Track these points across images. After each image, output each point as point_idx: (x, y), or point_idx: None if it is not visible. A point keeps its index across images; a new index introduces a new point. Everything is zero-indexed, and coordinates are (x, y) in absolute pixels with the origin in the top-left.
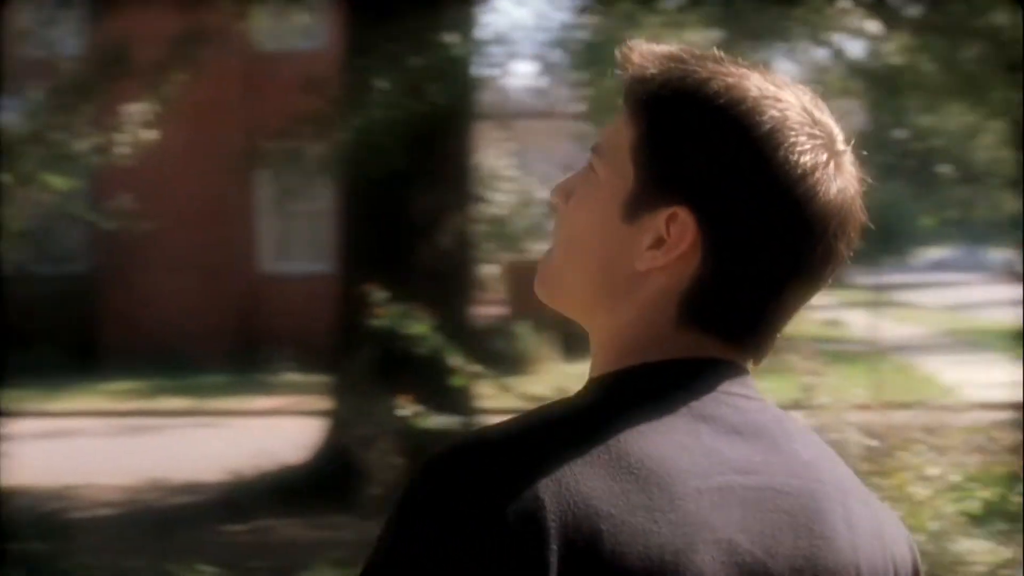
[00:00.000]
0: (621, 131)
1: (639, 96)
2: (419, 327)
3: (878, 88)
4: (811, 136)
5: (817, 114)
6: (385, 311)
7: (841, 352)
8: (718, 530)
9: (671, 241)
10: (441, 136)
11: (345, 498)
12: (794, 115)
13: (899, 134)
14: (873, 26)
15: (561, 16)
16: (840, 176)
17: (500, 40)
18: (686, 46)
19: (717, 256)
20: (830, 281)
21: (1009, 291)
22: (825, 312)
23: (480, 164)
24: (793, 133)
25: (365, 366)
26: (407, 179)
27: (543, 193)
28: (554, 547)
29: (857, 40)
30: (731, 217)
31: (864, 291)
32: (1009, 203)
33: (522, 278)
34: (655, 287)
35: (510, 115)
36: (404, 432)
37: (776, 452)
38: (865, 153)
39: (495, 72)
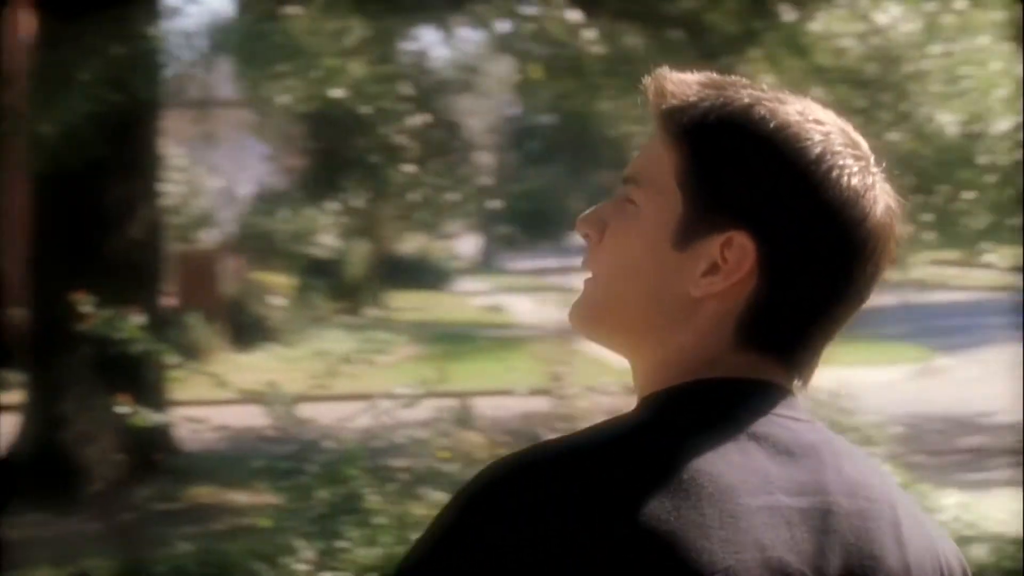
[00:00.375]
0: (661, 159)
1: (681, 124)
2: (126, 327)
3: (546, 73)
4: (856, 158)
5: (854, 136)
6: (90, 315)
7: (505, 338)
8: (767, 548)
9: (729, 266)
10: (129, 128)
11: (41, 495)
12: (837, 138)
13: (552, 120)
14: (570, 14)
15: (231, 9)
16: (884, 196)
17: (189, 33)
18: (714, 74)
19: (775, 279)
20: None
21: None
22: (484, 298)
23: (166, 155)
24: (840, 156)
25: (65, 363)
26: (96, 172)
27: (214, 182)
28: (612, 562)
29: (525, 24)
30: (789, 241)
31: (522, 276)
32: None
33: (191, 268)
34: (711, 312)
35: (191, 105)
36: (113, 428)
37: (825, 472)
38: (515, 140)
39: (183, 64)
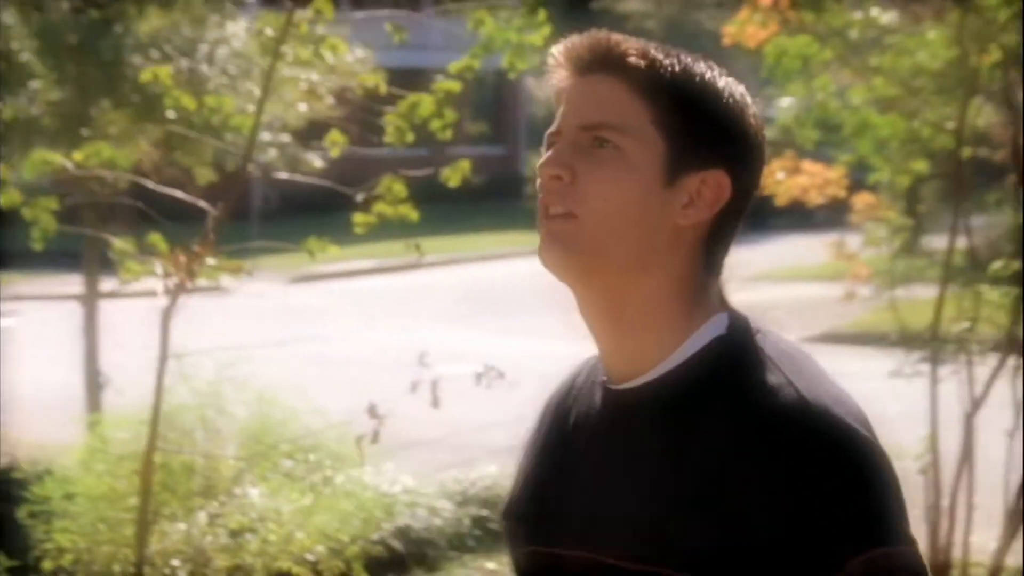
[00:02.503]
0: (634, 108)
1: (656, 78)
2: None
3: None
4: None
5: None
6: None
7: None
8: None
9: (705, 200)
10: None
11: None
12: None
13: None
14: None
15: None
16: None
17: None
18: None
19: (734, 209)
20: None
21: None
22: None
23: None
24: (746, 95)
25: None
26: None
27: None
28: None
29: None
30: (750, 174)
31: None
32: None
33: None
34: (690, 239)
35: None
36: None
37: None
38: None
39: None
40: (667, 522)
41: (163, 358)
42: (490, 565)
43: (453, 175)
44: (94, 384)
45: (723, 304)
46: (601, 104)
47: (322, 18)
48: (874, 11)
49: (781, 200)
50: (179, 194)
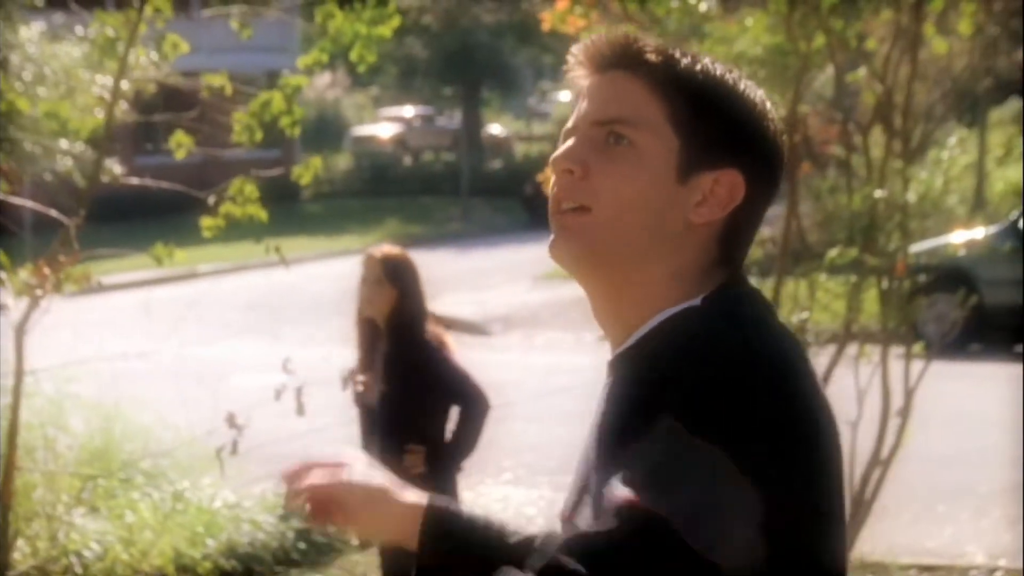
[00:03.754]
0: (649, 104)
1: (672, 76)
2: None
3: None
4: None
5: None
6: None
7: None
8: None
9: (718, 198)
10: None
11: None
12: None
13: None
14: None
15: None
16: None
17: None
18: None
19: (750, 206)
20: None
21: None
22: None
23: None
24: (762, 92)
25: None
26: None
27: None
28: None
29: None
30: (764, 172)
31: None
32: None
33: None
34: (703, 236)
35: None
36: None
37: None
38: None
39: None
40: (587, 478)
41: (19, 373)
42: None
43: (305, 173)
44: None
45: (727, 285)
46: (617, 100)
47: (162, 16)
48: None
49: None
50: (29, 204)
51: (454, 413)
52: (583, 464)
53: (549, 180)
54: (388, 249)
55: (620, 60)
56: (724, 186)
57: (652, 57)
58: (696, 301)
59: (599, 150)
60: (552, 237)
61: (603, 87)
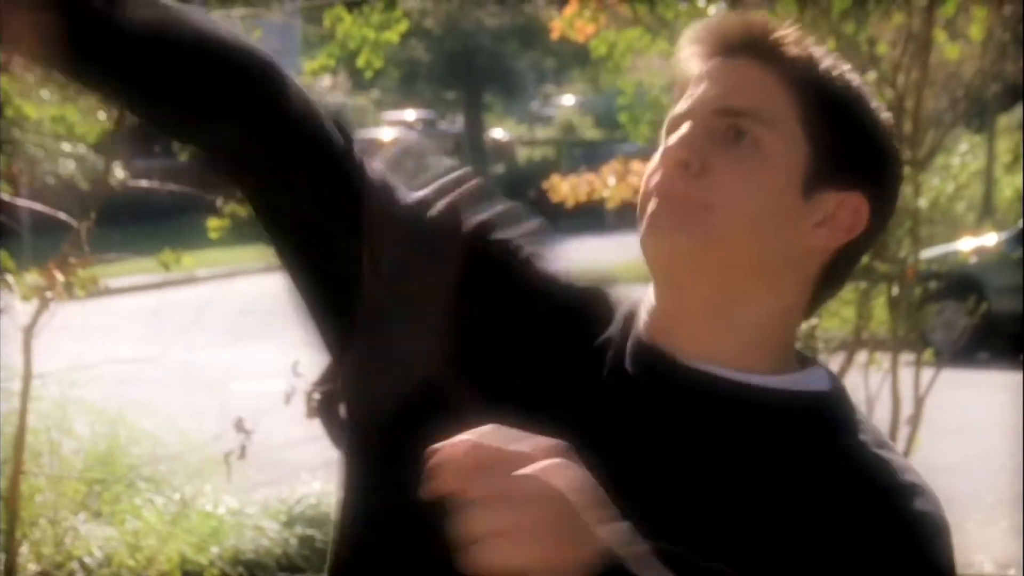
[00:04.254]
0: (779, 100)
1: (809, 74)
2: None
3: None
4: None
5: None
6: None
7: None
8: None
9: (839, 223)
10: None
11: None
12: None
13: None
14: None
15: None
16: None
17: None
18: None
19: (862, 241)
20: None
21: None
22: None
23: None
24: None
25: None
26: None
27: None
28: None
29: None
30: (889, 203)
31: None
32: None
33: None
34: (818, 263)
35: None
36: None
37: None
38: None
39: None
40: (725, 530)
41: (27, 377)
42: None
43: None
44: None
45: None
46: (747, 89)
47: None
48: (701, 2)
49: (611, 204)
50: (36, 206)
51: None
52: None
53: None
54: None
55: (754, 47)
56: (848, 210)
57: (792, 49)
58: (823, 382)
59: (720, 144)
60: (655, 227)
61: (730, 73)
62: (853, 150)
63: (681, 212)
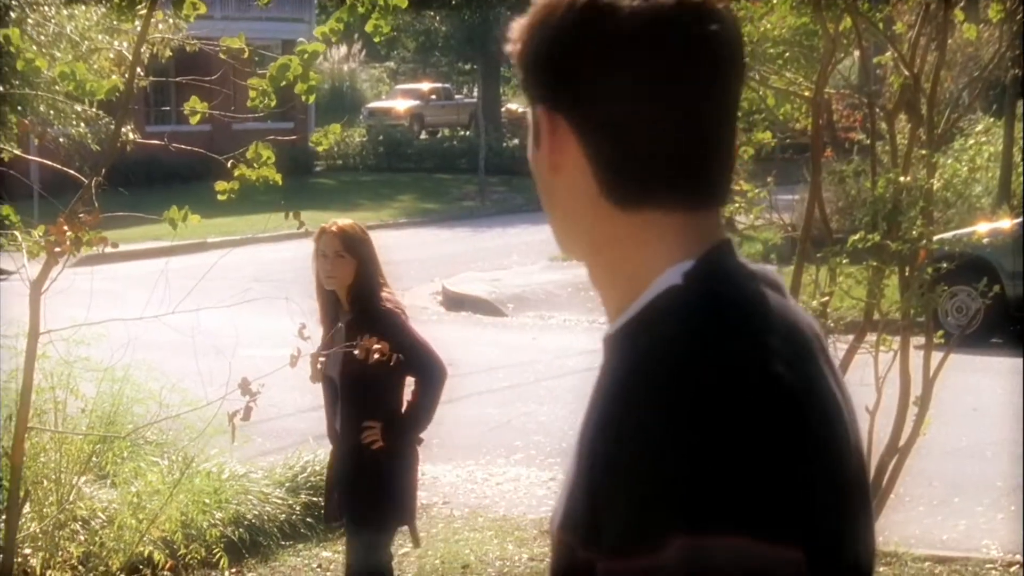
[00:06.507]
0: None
1: (520, 58)
2: None
3: None
4: None
5: None
6: None
7: None
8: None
9: (544, 130)
10: None
11: None
12: None
13: None
14: None
15: None
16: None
17: None
18: None
19: (593, 136)
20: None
21: None
22: None
23: None
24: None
25: None
26: None
27: None
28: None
29: None
30: (591, 94)
31: None
32: None
33: None
34: (574, 185)
35: None
36: None
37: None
38: None
39: None
40: (572, 488)
41: (34, 334)
42: (325, 554)
43: (323, 140)
44: None
45: (698, 243)
46: None
47: None
48: None
49: None
50: (44, 161)
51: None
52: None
53: None
54: (343, 223)
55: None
56: (540, 124)
57: (508, 48)
58: (677, 275)
59: None
60: None
61: None
62: (529, 80)
63: None
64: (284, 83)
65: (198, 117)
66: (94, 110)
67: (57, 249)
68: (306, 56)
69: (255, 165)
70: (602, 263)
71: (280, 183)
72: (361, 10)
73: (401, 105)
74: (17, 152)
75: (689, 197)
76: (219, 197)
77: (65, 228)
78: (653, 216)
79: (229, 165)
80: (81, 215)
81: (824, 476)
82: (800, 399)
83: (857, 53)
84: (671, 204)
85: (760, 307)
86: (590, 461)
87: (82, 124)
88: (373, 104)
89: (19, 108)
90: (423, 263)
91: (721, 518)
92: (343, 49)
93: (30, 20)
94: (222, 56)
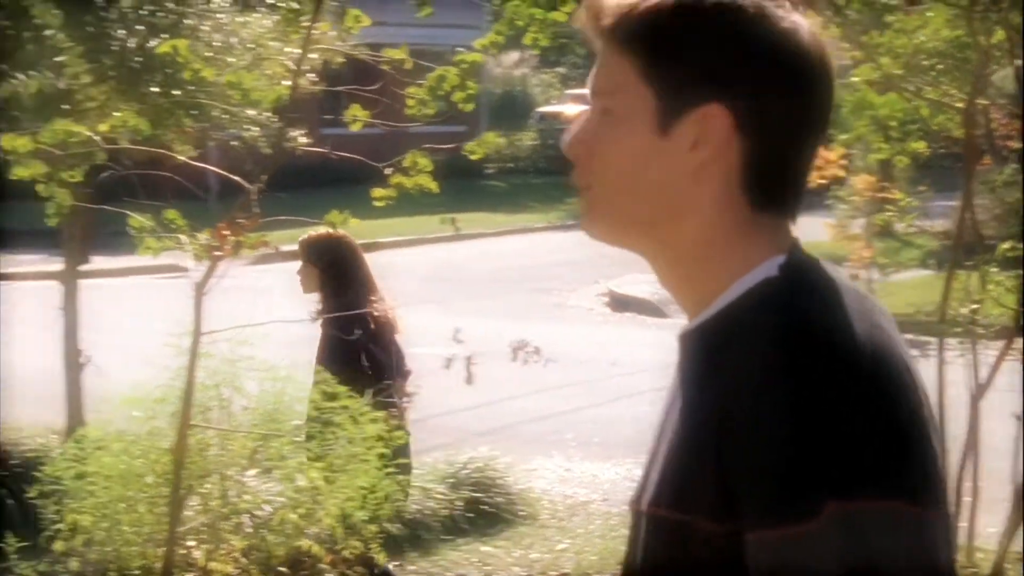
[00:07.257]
0: (621, 66)
1: (630, 30)
2: None
3: None
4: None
5: None
6: None
7: None
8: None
9: (712, 135)
10: None
11: None
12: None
13: None
14: None
15: None
16: (808, 26)
17: None
18: None
19: (770, 136)
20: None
21: None
22: None
23: None
24: (760, 6)
25: None
26: None
27: None
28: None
29: None
30: (765, 96)
31: None
32: None
33: None
34: (717, 180)
35: None
36: None
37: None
38: None
39: None
40: (686, 468)
41: (197, 333)
42: (484, 548)
43: (478, 149)
44: (74, 364)
45: (785, 243)
46: (601, 69)
47: None
48: None
49: None
50: (214, 170)
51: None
52: (656, 444)
53: None
54: (315, 233)
55: (594, 30)
56: (709, 121)
57: (607, 21)
58: (773, 267)
59: (595, 126)
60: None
61: (598, 56)
62: (688, 73)
63: (580, 202)
64: (442, 93)
65: (359, 124)
66: (267, 115)
67: (218, 253)
68: (464, 66)
69: (411, 173)
70: (699, 256)
71: (436, 191)
72: (520, 23)
73: (571, 110)
74: (189, 157)
75: (792, 204)
76: (376, 204)
77: (225, 232)
78: (765, 217)
79: (387, 173)
80: (241, 220)
81: (940, 445)
82: (913, 370)
83: (1018, 63)
84: (784, 209)
85: (852, 291)
86: (715, 439)
87: (254, 128)
88: (544, 108)
89: (193, 113)
90: (588, 264)
91: (872, 484)
92: (515, 55)
93: (204, 27)
94: (383, 68)
